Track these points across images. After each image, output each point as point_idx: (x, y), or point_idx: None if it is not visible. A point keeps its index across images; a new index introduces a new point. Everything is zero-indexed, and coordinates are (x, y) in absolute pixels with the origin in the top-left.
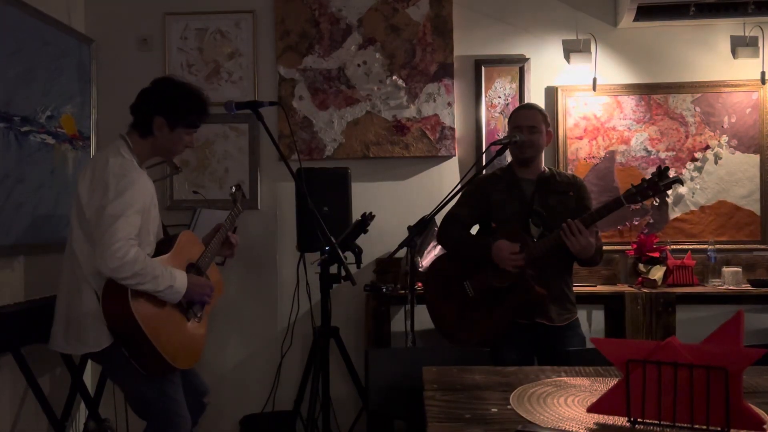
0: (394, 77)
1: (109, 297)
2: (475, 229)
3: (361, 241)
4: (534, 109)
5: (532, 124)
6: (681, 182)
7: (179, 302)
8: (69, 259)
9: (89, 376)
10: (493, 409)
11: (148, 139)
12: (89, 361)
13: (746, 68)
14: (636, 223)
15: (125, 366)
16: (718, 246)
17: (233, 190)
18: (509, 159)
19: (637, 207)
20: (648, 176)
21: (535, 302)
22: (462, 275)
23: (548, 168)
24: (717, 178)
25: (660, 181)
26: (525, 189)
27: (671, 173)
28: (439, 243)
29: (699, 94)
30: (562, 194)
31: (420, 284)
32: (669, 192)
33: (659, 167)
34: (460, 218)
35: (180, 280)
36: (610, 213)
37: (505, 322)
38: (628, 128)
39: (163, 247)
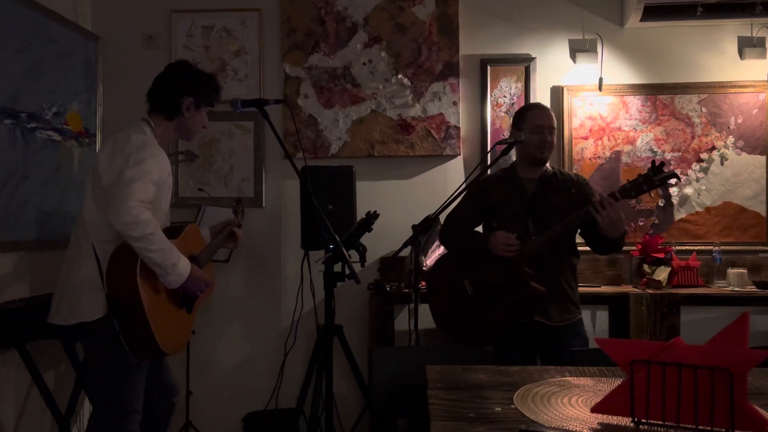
0: (400, 76)
1: (117, 264)
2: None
3: (366, 239)
4: (549, 110)
5: (552, 125)
6: (677, 177)
7: (176, 290)
8: (77, 229)
9: None
10: (496, 409)
11: (174, 120)
12: None
13: (753, 69)
14: (641, 223)
15: (111, 342)
16: (723, 247)
17: (234, 204)
18: (514, 158)
19: (643, 207)
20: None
21: (533, 299)
22: (462, 274)
23: (551, 167)
24: (723, 179)
25: (655, 176)
26: (526, 188)
27: (668, 170)
28: (441, 243)
29: (705, 95)
30: (564, 192)
31: (424, 283)
32: (671, 186)
33: (653, 162)
34: (460, 218)
35: (183, 264)
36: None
37: (503, 320)
38: (634, 128)
39: (170, 233)
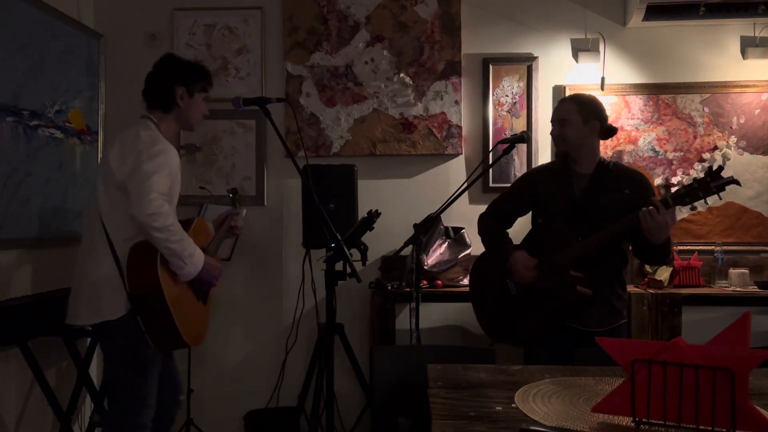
0: (402, 75)
1: (136, 260)
2: (520, 222)
3: (367, 238)
4: (567, 102)
5: (561, 117)
6: (737, 182)
7: (192, 281)
8: (89, 229)
9: (95, 370)
10: (497, 408)
11: (172, 112)
12: (95, 355)
13: (756, 69)
14: None
15: (132, 339)
16: (725, 247)
17: (230, 195)
18: (516, 158)
19: None
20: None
21: (577, 302)
22: (505, 273)
23: (609, 161)
24: None
25: (712, 181)
26: (576, 184)
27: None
28: (478, 231)
29: (708, 95)
30: (616, 191)
31: (425, 282)
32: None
33: (710, 167)
34: (501, 210)
35: (199, 255)
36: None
37: (547, 322)
38: (636, 128)
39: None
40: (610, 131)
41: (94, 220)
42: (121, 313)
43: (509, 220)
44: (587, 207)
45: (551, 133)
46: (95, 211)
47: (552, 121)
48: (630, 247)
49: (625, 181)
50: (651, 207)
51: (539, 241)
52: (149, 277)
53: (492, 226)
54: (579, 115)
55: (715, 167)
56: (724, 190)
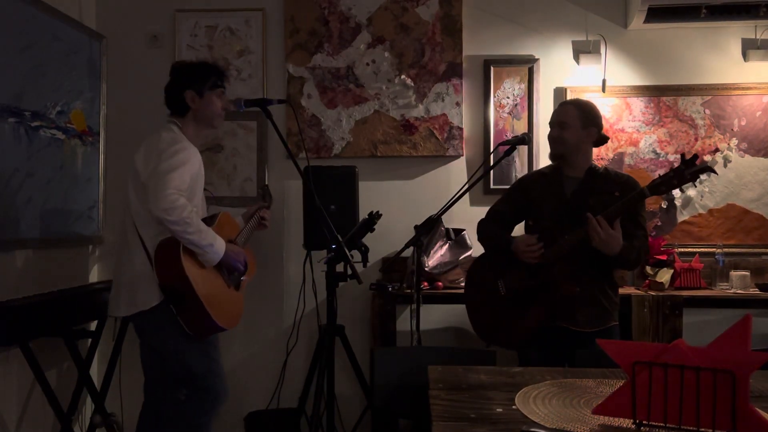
0: (403, 76)
1: (163, 255)
2: (519, 228)
3: (368, 239)
4: (568, 105)
5: (561, 120)
6: (712, 170)
7: (220, 267)
8: (123, 229)
9: (96, 371)
10: (498, 409)
11: (188, 115)
12: (95, 355)
13: (757, 71)
14: None
15: (171, 325)
16: (726, 249)
17: (260, 190)
18: (517, 159)
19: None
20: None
21: (565, 300)
22: (497, 275)
23: (600, 166)
24: (726, 182)
25: (686, 169)
26: (566, 187)
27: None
28: (478, 237)
29: (709, 97)
30: (607, 194)
31: (426, 284)
32: (696, 182)
33: (683, 155)
34: (498, 214)
35: (219, 243)
36: (635, 205)
37: (538, 322)
38: (637, 130)
39: (205, 222)
40: (602, 139)
41: (128, 221)
42: (154, 302)
43: (507, 226)
44: (577, 208)
45: (549, 135)
46: (127, 212)
47: (551, 123)
48: None
49: (615, 184)
50: (587, 227)
51: None
52: (175, 267)
53: (491, 225)
54: (579, 120)
55: (688, 157)
56: (699, 177)
